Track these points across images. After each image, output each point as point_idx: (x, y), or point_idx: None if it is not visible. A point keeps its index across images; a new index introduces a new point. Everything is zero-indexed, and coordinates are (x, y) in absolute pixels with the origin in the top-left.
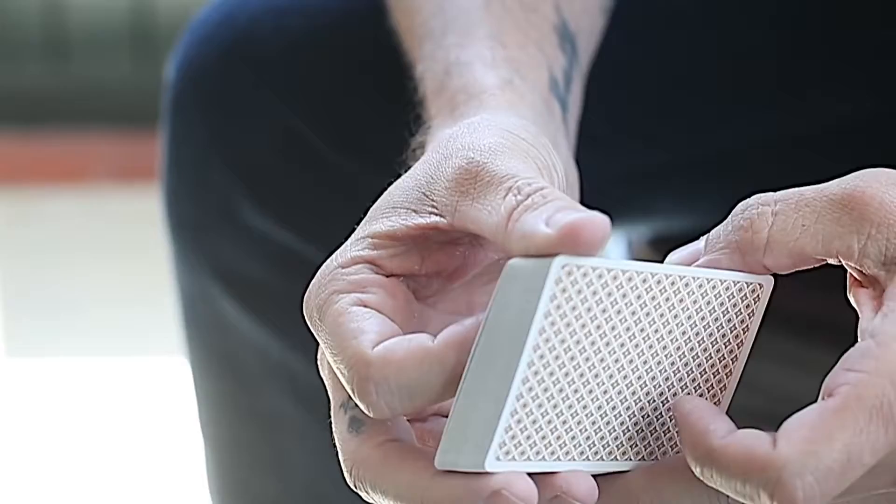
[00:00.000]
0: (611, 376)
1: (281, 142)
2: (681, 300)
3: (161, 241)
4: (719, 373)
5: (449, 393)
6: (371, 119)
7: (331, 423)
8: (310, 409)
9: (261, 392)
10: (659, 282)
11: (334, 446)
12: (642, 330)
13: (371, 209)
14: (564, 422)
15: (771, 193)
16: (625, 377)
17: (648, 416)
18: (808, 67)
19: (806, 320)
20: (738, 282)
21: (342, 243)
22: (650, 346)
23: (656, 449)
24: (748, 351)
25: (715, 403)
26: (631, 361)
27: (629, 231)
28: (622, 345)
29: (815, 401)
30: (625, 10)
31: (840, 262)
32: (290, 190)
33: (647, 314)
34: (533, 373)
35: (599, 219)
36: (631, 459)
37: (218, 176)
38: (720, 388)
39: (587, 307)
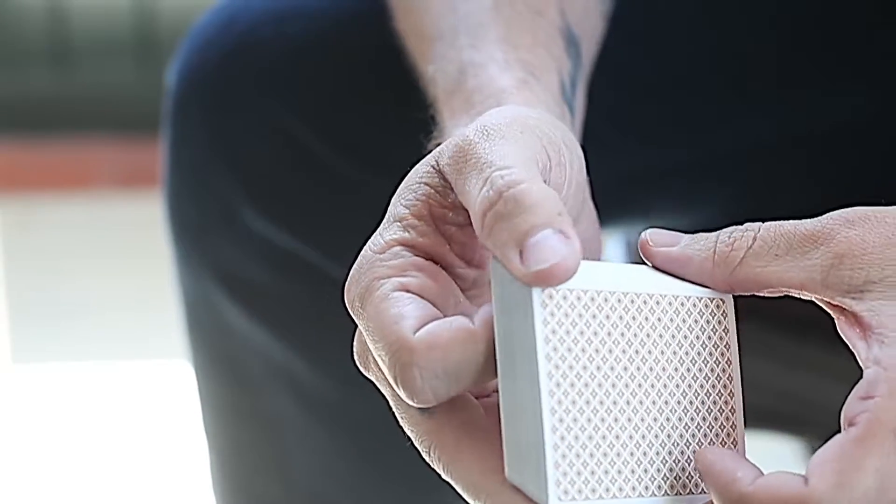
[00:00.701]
0: (628, 402)
1: (282, 145)
2: (658, 319)
3: (165, 246)
4: (722, 393)
5: (490, 374)
6: (372, 122)
7: (334, 424)
8: (312, 411)
9: (263, 394)
10: (632, 301)
11: (336, 447)
12: (637, 352)
13: (395, 195)
14: (605, 454)
15: (759, 222)
16: (640, 402)
17: (678, 443)
18: (808, 69)
19: (804, 319)
20: (702, 297)
21: (344, 247)
22: (651, 369)
23: (688, 481)
24: (738, 368)
25: (730, 426)
26: (640, 385)
27: (628, 232)
28: (625, 368)
29: (813, 400)
30: (625, 12)
31: (807, 296)
32: (291, 193)
33: (635, 335)
34: (557, 402)
35: (571, 261)
36: (668, 494)
37: (219, 180)
38: (730, 410)
39: (579, 330)
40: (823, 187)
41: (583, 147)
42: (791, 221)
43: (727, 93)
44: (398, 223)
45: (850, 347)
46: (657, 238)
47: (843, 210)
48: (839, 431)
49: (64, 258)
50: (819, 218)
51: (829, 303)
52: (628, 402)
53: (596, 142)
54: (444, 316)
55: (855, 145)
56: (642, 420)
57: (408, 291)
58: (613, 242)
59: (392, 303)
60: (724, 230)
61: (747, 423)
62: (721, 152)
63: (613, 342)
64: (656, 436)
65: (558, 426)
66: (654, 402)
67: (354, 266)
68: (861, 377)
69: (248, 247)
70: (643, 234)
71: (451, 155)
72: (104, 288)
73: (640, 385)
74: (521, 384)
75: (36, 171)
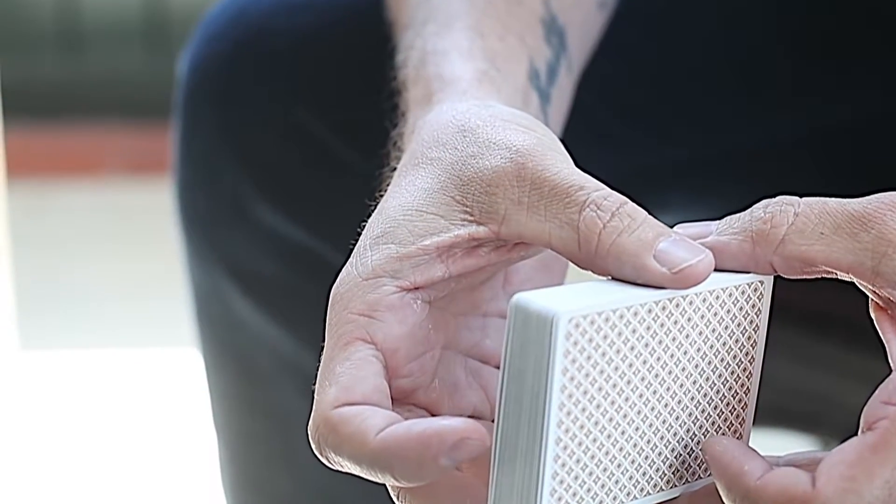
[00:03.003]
0: (639, 412)
1: (292, 137)
2: (688, 319)
3: (175, 233)
4: (740, 377)
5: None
6: (383, 114)
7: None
8: None
9: (273, 388)
10: (664, 308)
11: None
12: (658, 359)
13: (386, 209)
14: (605, 469)
15: (796, 197)
16: (652, 409)
17: (683, 439)
18: (823, 67)
19: (817, 316)
20: (740, 285)
21: (353, 240)
22: (670, 372)
23: (698, 468)
24: (763, 349)
25: (742, 407)
26: (654, 392)
27: None
28: (643, 378)
29: (828, 399)
30: (640, 9)
31: (852, 279)
32: (301, 186)
33: (660, 342)
34: (564, 431)
35: (708, 261)
36: (676, 485)
37: (229, 172)
38: (744, 392)
39: (601, 353)
40: (840, 184)
41: (596, 144)
42: (834, 199)
43: (742, 90)
44: (394, 247)
45: (884, 341)
46: (688, 233)
47: (890, 193)
48: (856, 430)
49: (73, 244)
50: (866, 199)
51: (875, 292)
52: (639, 412)
53: (610, 138)
54: (409, 355)
55: (869, 140)
56: (650, 426)
57: (372, 346)
58: None
59: (348, 417)
60: (758, 205)
61: (762, 420)
62: (736, 149)
63: (635, 355)
64: (661, 437)
65: (561, 454)
66: (666, 406)
67: (337, 282)
68: (887, 376)
69: (257, 239)
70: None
71: (491, 182)
72: (113, 275)
73: (654, 392)
74: (525, 423)
75: (46, 157)
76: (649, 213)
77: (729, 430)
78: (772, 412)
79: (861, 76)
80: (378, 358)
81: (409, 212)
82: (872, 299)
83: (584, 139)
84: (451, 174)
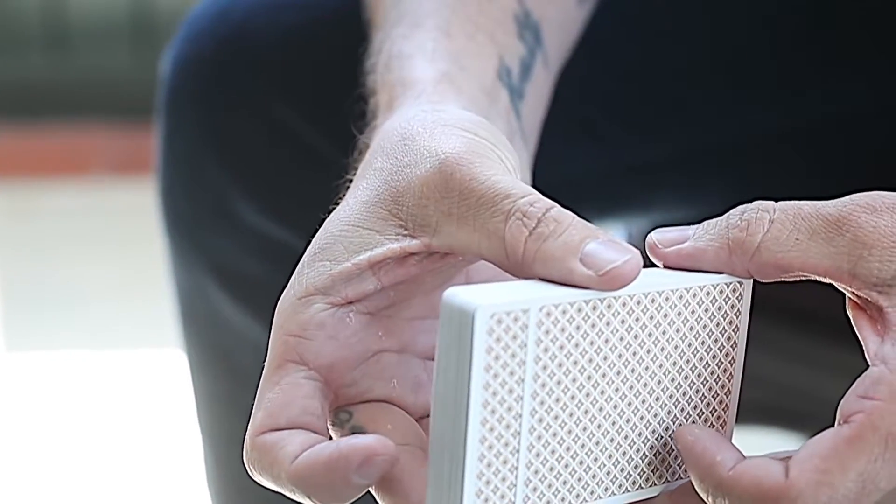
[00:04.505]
0: (586, 412)
1: (276, 136)
2: (664, 315)
3: (159, 233)
4: (720, 377)
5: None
6: (366, 113)
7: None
8: None
9: (257, 387)
10: (609, 305)
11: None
12: (635, 354)
13: (328, 223)
14: (541, 469)
15: (771, 202)
16: (615, 407)
17: (662, 437)
18: (807, 63)
19: (804, 313)
20: (718, 284)
21: None
22: (633, 371)
23: (678, 468)
24: (744, 350)
25: (723, 408)
26: (616, 390)
27: (629, 225)
28: (589, 377)
29: (813, 395)
30: (624, 5)
31: (829, 281)
32: (285, 185)
33: (621, 339)
34: (489, 430)
35: (635, 261)
36: (656, 484)
37: (213, 172)
38: (725, 393)
39: (526, 350)
40: (823, 179)
41: (582, 142)
42: (808, 203)
43: (726, 85)
44: (328, 263)
45: (860, 340)
46: (664, 238)
47: (863, 194)
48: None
49: (58, 245)
50: (839, 201)
51: (854, 293)
52: (586, 412)
53: (595, 135)
54: (352, 364)
55: (854, 137)
56: (612, 425)
57: (304, 367)
58: (615, 235)
59: (275, 442)
60: (733, 211)
61: (748, 418)
62: (720, 145)
63: (568, 354)
64: (626, 436)
65: (485, 471)
66: (629, 404)
67: (279, 303)
68: (864, 372)
69: (242, 240)
70: (649, 237)
71: (423, 194)
72: (98, 275)
73: (615, 391)
74: (451, 420)
75: (31, 157)
76: (644, 208)
77: (706, 423)
78: (758, 410)
79: (846, 72)
80: (310, 377)
81: (345, 227)
82: (850, 298)
83: (568, 137)
84: (387, 185)
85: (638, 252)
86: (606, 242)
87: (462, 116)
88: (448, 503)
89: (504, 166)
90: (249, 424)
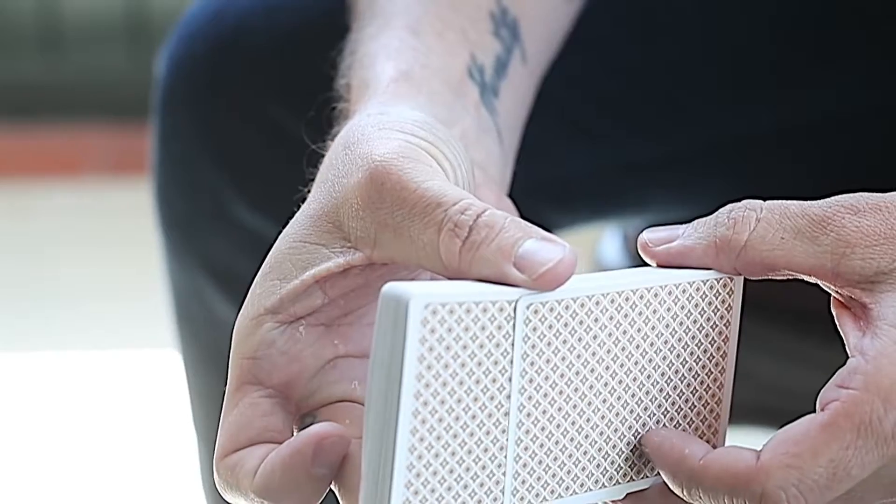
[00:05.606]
0: (544, 411)
1: (271, 137)
2: (653, 311)
3: (155, 234)
4: (712, 372)
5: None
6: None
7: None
8: None
9: None
10: (612, 301)
11: None
12: (607, 352)
13: (279, 239)
14: (555, 459)
15: (759, 201)
16: (619, 398)
17: (639, 433)
18: (806, 63)
19: (799, 313)
20: (708, 280)
21: None
22: (607, 368)
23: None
24: (735, 345)
25: (715, 402)
26: (621, 381)
27: (624, 224)
28: (593, 370)
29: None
30: (619, 2)
31: (814, 280)
32: (280, 186)
33: (624, 332)
34: (420, 421)
35: (567, 260)
36: (647, 476)
37: (208, 172)
38: (717, 387)
39: (462, 344)
40: (819, 177)
41: (577, 141)
42: (795, 203)
43: (722, 83)
44: (277, 282)
45: (843, 336)
46: (655, 237)
47: (847, 196)
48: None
49: (52, 245)
50: (824, 202)
51: (838, 291)
52: (590, 404)
53: (591, 133)
54: (306, 379)
55: (851, 135)
56: (617, 415)
57: (259, 388)
58: (610, 234)
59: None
60: (722, 210)
61: (744, 418)
62: (717, 143)
63: (582, 347)
64: (601, 433)
65: (416, 463)
66: (633, 396)
67: (237, 323)
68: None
69: (237, 240)
70: (640, 236)
71: (360, 205)
72: (93, 275)
73: (620, 381)
74: (383, 411)
75: (25, 158)
76: (640, 207)
77: (703, 424)
78: (753, 410)
79: (843, 69)
80: (268, 395)
81: (294, 243)
82: (834, 297)
83: (562, 135)
84: (329, 197)
85: (570, 247)
86: (540, 241)
87: (403, 117)
88: (379, 494)
89: (439, 168)
90: (215, 450)
